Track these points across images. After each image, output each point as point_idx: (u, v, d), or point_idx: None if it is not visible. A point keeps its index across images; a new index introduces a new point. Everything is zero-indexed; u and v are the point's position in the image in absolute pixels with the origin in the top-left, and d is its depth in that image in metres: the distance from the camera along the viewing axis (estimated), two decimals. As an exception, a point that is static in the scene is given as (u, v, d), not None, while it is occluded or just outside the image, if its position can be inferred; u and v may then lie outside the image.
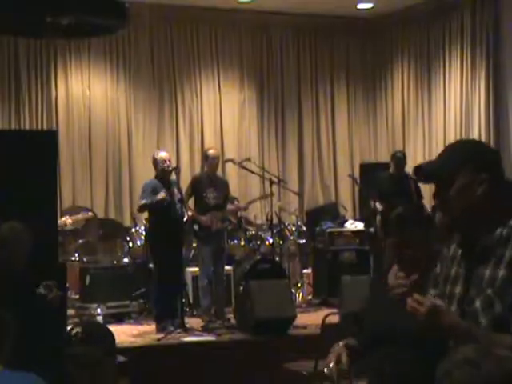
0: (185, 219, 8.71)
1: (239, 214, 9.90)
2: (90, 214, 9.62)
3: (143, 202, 8.51)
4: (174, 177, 8.70)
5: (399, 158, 9.51)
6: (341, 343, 3.17)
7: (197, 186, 8.87)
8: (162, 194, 8.32)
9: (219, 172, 9.74)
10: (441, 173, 2.55)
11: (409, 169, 9.51)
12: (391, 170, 9.54)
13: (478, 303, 2.46)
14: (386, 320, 2.93)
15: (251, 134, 12.37)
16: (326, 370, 3.11)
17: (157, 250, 8.52)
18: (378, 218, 9.20)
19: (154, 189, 8.52)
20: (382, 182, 9.44)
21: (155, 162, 8.67)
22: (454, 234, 2.65)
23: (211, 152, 9.06)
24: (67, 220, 9.03)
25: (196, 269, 9.22)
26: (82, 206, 10.37)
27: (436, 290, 2.64)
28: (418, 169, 2.63)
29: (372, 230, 9.66)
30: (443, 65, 11.66)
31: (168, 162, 8.63)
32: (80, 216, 9.36)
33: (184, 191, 8.76)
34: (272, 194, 9.62)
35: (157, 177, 8.65)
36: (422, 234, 3.20)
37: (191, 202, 9.01)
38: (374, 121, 13.03)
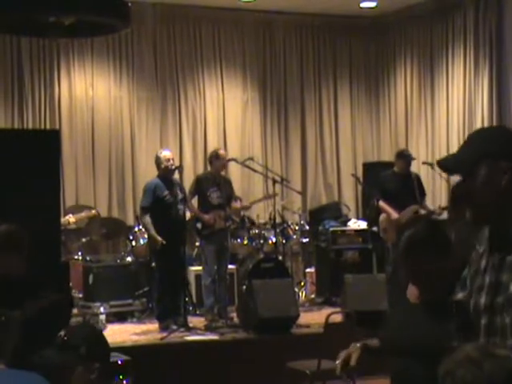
0: (187, 218, 8.71)
1: (242, 213, 9.90)
2: (93, 212, 9.63)
3: (148, 224, 8.53)
4: (176, 176, 8.71)
5: (407, 157, 9.34)
6: (358, 344, 3.07)
7: (200, 185, 8.87)
8: (159, 241, 8.34)
9: (222, 171, 9.74)
10: (459, 166, 2.51)
11: (411, 167, 9.48)
12: (395, 169, 9.40)
13: None
14: (402, 332, 2.88)
15: (254, 133, 12.35)
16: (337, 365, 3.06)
17: (159, 249, 8.52)
18: (381, 218, 9.16)
19: (156, 188, 8.53)
20: (386, 180, 9.35)
21: (158, 160, 8.67)
22: (482, 230, 2.58)
23: (222, 152, 9.09)
24: (70, 219, 9.05)
25: (199, 268, 9.23)
26: (85, 205, 10.37)
27: (464, 292, 2.57)
28: (440, 162, 2.59)
29: (375, 229, 9.64)
30: (446, 63, 11.63)
31: (171, 161, 8.64)
32: (83, 215, 9.37)
33: (187, 190, 8.78)
34: (275, 194, 9.62)
35: (159, 176, 8.65)
36: (434, 259, 2.96)
37: (195, 202, 9.02)
38: (377, 120, 13.01)
